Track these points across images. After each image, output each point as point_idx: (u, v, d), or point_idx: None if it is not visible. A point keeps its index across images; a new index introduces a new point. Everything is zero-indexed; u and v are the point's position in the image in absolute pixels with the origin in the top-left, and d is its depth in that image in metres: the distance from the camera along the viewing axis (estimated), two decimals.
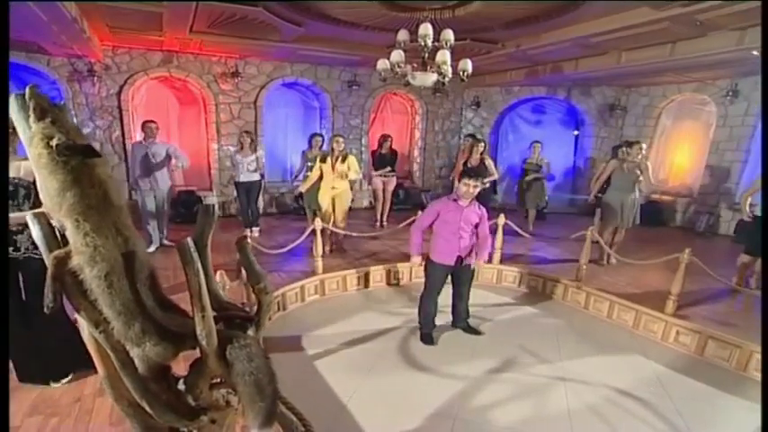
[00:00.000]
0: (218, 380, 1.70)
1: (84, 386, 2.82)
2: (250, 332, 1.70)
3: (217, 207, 6.09)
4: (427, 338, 4.08)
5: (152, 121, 5.78)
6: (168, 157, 5.74)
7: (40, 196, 1.43)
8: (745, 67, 6.83)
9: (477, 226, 3.93)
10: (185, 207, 7.24)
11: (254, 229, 6.56)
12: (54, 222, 1.47)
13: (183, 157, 5.93)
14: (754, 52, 5.69)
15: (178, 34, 6.20)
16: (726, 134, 7.94)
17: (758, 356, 3.67)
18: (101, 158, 1.49)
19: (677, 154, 8.81)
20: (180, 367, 1.73)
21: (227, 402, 1.73)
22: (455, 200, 3.88)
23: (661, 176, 8.85)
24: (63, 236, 1.49)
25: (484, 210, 4.01)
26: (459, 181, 3.92)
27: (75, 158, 1.39)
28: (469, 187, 3.77)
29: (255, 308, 1.77)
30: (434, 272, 3.99)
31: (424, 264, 4.12)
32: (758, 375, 3.64)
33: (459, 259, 3.91)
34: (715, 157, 8.07)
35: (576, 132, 9.86)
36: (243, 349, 1.55)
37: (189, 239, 1.48)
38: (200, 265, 1.50)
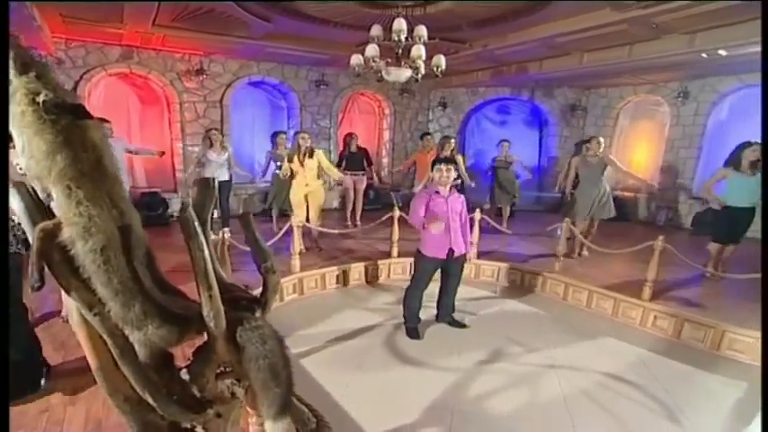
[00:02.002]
0: (222, 369, 1.56)
1: (52, 395, 2.55)
2: (257, 315, 1.57)
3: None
4: (413, 333, 4.01)
5: (107, 120, 5.44)
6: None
7: (21, 161, 1.25)
8: (695, 69, 7.24)
9: (461, 213, 3.94)
10: (149, 209, 6.84)
11: (224, 229, 6.27)
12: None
13: (145, 150, 5.63)
14: (704, 55, 6.03)
15: (140, 28, 5.87)
16: (679, 133, 8.37)
17: (731, 336, 3.85)
18: (93, 121, 1.33)
19: (636, 152, 9.20)
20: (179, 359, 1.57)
21: (232, 394, 1.58)
22: (437, 192, 3.86)
23: (621, 173, 9.20)
24: (48, 209, 1.32)
25: (463, 197, 4.02)
26: (432, 170, 3.93)
27: (65, 118, 1.23)
28: (442, 172, 3.79)
29: (261, 289, 1.64)
30: (425, 265, 3.94)
31: (414, 256, 4.07)
32: (731, 354, 3.83)
33: (451, 252, 3.87)
34: (670, 154, 8.49)
35: (539, 133, 10.13)
36: (255, 331, 1.42)
37: (191, 211, 1.35)
38: (203, 238, 1.37)
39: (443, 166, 3.82)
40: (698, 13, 4.89)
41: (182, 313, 1.38)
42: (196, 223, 1.33)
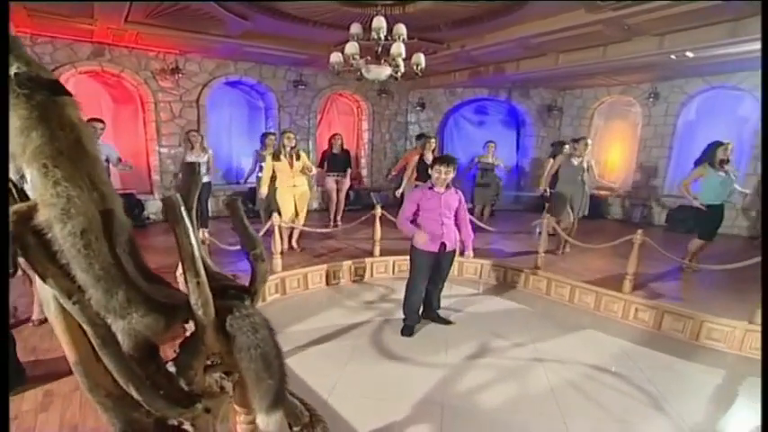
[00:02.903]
0: (211, 362, 1.49)
1: (21, 402, 2.41)
2: (247, 303, 1.50)
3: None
4: (408, 331, 3.98)
5: (99, 120, 5.23)
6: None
7: None
8: (664, 71, 7.47)
9: (457, 210, 3.92)
10: (125, 211, 6.60)
11: (203, 230, 6.13)
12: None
13: (121, 163, 5.46)
14: (672, 56, 6.22)
15: (112, 24, 5.68)
16: (651, 132, 8.61)
17: (708, 325, 3.94)
18: (71, 98, 1.25)
19: (611, 151, 9.43)
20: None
21: (221, 388, 1.51)
22: (430, 187, 3.83)
23: (597, 173, 9.40)
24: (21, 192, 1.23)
25: (461, 194, 3.98)
26: (431, 168, 3.88)
27: (40, 93, 1.15)
28: (441, 173, 3.73)
29: (249, 278, 1.58)
30: (420, 259, 3.90)
31: (409, 252, 4.03)
32: (709, 343, 3.92)
33: (443, 246, 3.85)
34: (644, 154, 8.73)
35: (517, 133, 10.28)
36: (246, 319, 1.36)
37: (177, 195, 1.29)
38: (190, 224, 1.30)
39: (443, 168, 3.72)
40: (667, 16, 5.05)
41: (168, 302, 1.31)
42: (182, 208, 1.27)
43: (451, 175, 3.79)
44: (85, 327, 1.22)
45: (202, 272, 1.30)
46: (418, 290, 3.98)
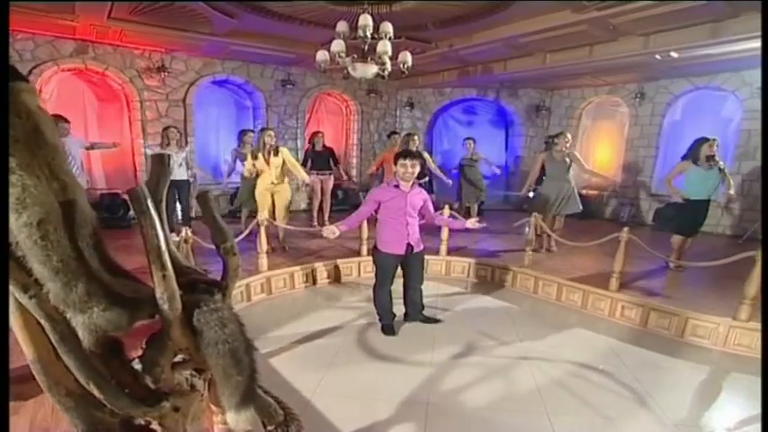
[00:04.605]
0: (182, 359, 1.44)
1: None
2: (216, 297, 1.46)
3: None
4: (388, 329, 3.93)
5: (65, 119, 5.18)
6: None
7: None
8: (650, 71, 7.54)
9: (421, 209, 3.85)
10: (109, 211, 6.53)
11: (186, 228, 6.07)
12: None
13: (102, 143, 5.51)
14: (657, 56, 6.27)
15: (94, 20, 5.59)
16: (638, 132, 8.68)
17: (693, 322, 3.95)
18: (27, 84, 1.20)
19: (598, 151, 9.49)
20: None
21: (191, 386, 1.46)
22: (396, 185, 3.71)
23: (585, 171, 9.44)
24: None
25: (425, 192, 3.92)
26: (396, 164, 3.73)
27: None
28: (407, 168, 3.60)
29: (221, 272, 1.54)
30: (383, 262, 3.81)
31: (371, 254, 3.97)
32: (694, 339, 3.93)
33: (409, 247, 3.76)
34: (631, 153, 8.79)
35: (505, 133, 10.31)
36: (213, 313, 1.31)
37: (142, 186, 1.24)
38: (156, 215, 1.25)
39: (408, 161, 3.60)
40: (651, 16, 5.09)
41: (132, 296, 1.26)
42: (147, 196, 1.22)
43: (417, 169, 3.68)
44: (43, 322, 1.17)
45: (169, 265, 1.25)
46: (385, 292, 3.90)
